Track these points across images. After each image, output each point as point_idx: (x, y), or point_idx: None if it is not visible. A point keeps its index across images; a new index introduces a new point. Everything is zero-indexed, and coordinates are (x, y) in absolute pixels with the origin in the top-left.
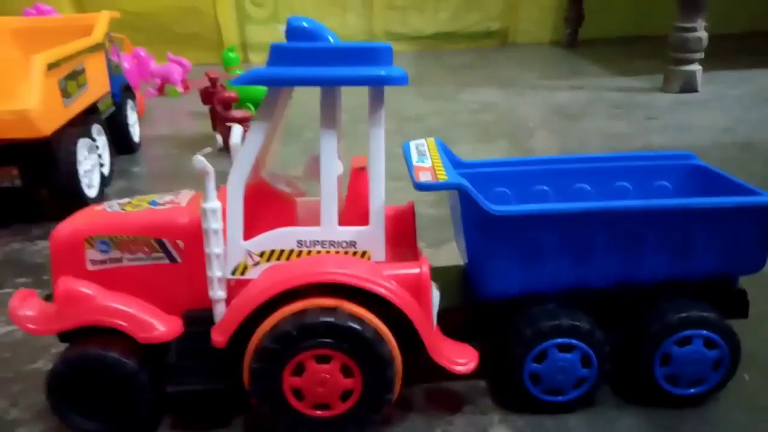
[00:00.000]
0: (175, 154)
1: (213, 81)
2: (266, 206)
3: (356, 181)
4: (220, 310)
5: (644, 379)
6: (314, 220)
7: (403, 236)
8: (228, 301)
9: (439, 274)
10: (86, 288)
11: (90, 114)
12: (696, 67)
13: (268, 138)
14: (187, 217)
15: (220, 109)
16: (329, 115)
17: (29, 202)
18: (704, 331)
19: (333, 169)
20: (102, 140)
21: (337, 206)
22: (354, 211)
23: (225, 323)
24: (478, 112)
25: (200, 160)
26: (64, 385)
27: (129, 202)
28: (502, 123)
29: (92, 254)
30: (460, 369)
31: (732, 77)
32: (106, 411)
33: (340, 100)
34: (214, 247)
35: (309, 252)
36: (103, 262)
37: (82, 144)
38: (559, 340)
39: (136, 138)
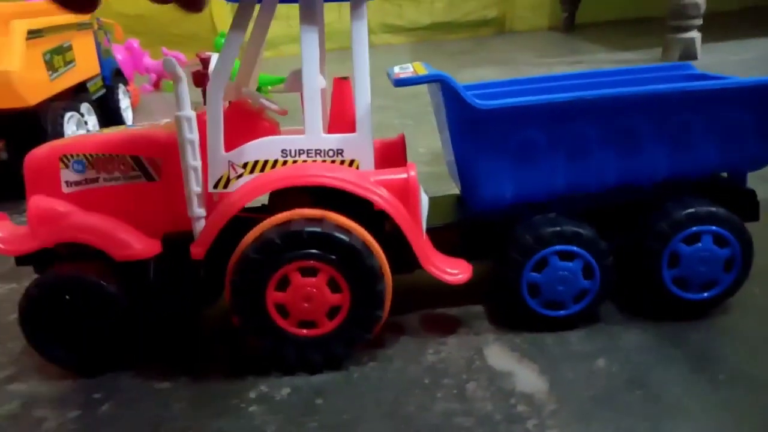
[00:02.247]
0: None
1: (204, 62)
2: (248, 125)
3: (339, 90)
4: (199, 229)
5: (652, 284)
6: None
7: (393, 167)
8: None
9: (433, 201)
10: (60, 206)
11: (79, 92)
12: (695, 34)
13: (250, 56)
14: (165, 133)
15: None
16: (309, 25)
17: (17, 175)
18: (713, 227)
19: (314, 75)
20: (92, 120)
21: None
22: (339, 122)
23: (204, 234)
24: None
25: (170, 61)
26: (39, 310)
27: (108, 129)
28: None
29: (67, 174)
30: (451, 278)
31: (732, 46)
32: (83, 339)
33: (321, 15)
34: (191, 159)
35: (294, 162)
36: (78, 183)
37: (71, 118)
38: (560, 247)
39: (128, 123)
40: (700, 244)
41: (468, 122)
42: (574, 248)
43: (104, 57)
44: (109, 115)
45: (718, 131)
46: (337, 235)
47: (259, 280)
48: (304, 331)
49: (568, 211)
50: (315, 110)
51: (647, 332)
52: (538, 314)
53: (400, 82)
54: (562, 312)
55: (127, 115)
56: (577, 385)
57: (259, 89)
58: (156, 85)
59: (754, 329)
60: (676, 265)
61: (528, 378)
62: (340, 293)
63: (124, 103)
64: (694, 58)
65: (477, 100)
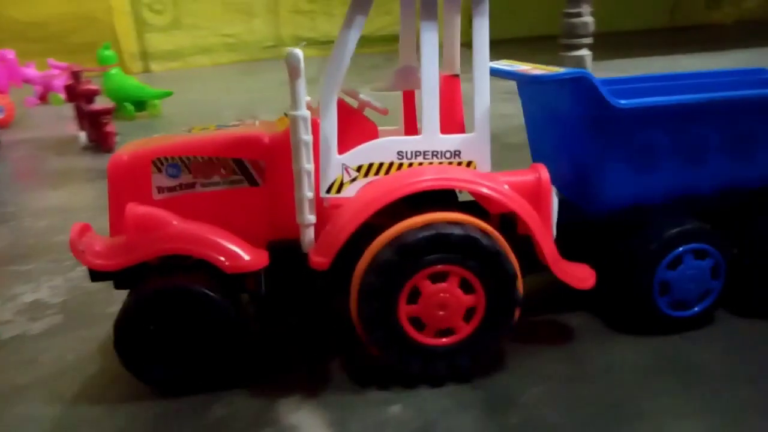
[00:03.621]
0: (36, 155)
1: (75, 75)
2: (348, 126)
3: (449, 88)
4: (309, 237)
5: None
6: None
7: None
8: (316, 228)
9: None
10: (159, 214)
11: None
12: (585, 52)
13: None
14: (268, 134)
15: (83, 104)
16: (429, 20)
17: None
18: None
19: (434, 72)
20: None
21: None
22: (449, 122)
23: (327, 242)
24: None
25: (295, 54)
26: (138, 329)
27: (190, 129)
28: (395, 111)
29: (160, 179)
30: (581, 284)
31: (623, 64)
32: (186, 357)
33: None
34: (305, 162)
35: (410, 164)
36: (172, 188)
37: None
38: (695, 245)
39: None
40: None
41: (602, 121)
42: (708, 247)
43: None
44: None
45: None
46: (482, 239)
47: (390, 291)
48: (444, 339)
49: (682, 212)
50: (433, 109)
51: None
52: (665, 315)
53: (542, 79)
54: (687, 312)
55: None
56: None
57: (143, 104)
58: (42, 98)
59: (558, 369)
60: None
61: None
62: (473, 294)
63: None
64: None
65: (617, 100)
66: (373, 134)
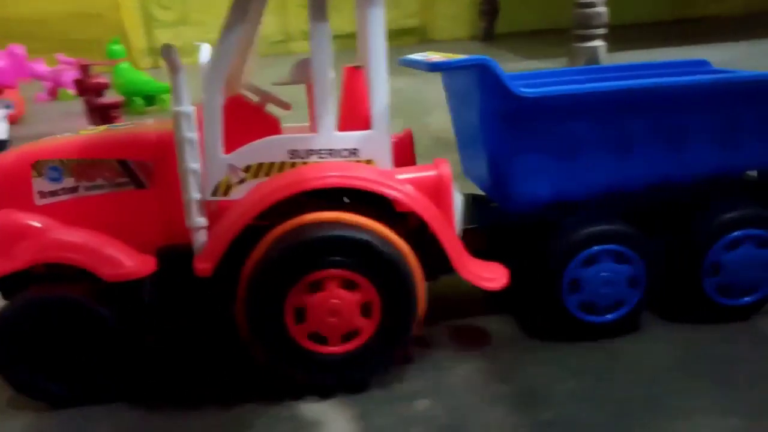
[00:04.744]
0: None
1: (84, 69)
2: (247, 123)
3: (351, 81)
4: (200, 241)
5: (692, 290)
6: None
7: (401, 165)
8: (209, 230)
9: None
10: (35, 220)
11: None
12: (599, 43)
13: (242, 48)
14: (155, 133)
15: (92, 98)
16: (319, 11)
17: None
18: (760, 231)
19: (326, 65)
20: None
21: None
22: (351, 117)
23: (210, 247)
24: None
25: (168, 49)
26: (14, 336)
27: (82, 130)
28: (403, 104)
29: (41, 184)
30: (488, 284)
31: (637, 56)
32: (65, 368)
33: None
34: (191, 161)
35: (304, 164)
36: (54, 193)
37: None
38: (610, 246)
39: (2, 135)
40: (743, 249)
41: (510, 112)
42: (624, 249)
43: None
44: None
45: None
46: (378, 244)
47: (277, 305)
48: (352, 343)
49: (606, 212)
50: (327, 105)
51: (477, 368)
52: (575, 318)
53: (436, 66)
54: (599, 318)
55: (1, 127)
56: None
57: (152, 98)
58: (52, 93)
59: (590, 364)
60: (717, 273)
61: (338, 427)
62: (359, 290)
63: None
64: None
65: (522, 89)
66: (274, 129)
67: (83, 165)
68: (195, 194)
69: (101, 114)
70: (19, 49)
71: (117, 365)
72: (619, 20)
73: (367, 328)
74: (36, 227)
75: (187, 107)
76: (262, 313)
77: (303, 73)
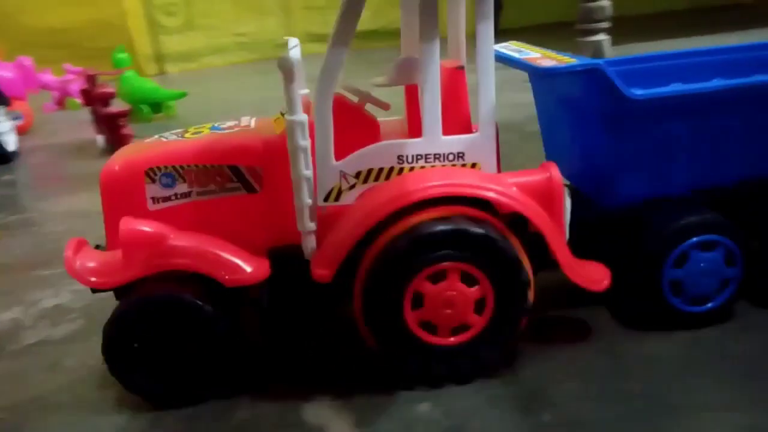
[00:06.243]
0: (55, 161)
1: (90, 79)
2: (348, 125)
3: (452, 82)
4: (310, 244)
5: None
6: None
7: None
8: (317, 233)
9: None
10: (155, 228)
11: None
12: (603, 37)
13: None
14: (263, 139)
15: (99, 108)
16: (430, 7)
17: None
18: None
19: (435, 67)
20: None
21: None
22: (453, 118)
23: (328, 254)
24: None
25: (288, 59)
26: (127, 338)
27: (185, 131)
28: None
29: (154, 190)
30: (596, 287)
31: (643, 48)
32: (174, 369)
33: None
34: (303, 168)
35: (411, 168)
36: (167, 198)
37: None
38: (702, 237)
39: (10, 147)
40: None
41: (617, 113)
42: (716, 237)
43: None
44: None
45: None
46: (500, 241)
47: (396, 297)
48: (459, 337)
49: (700, 205)
50: (434, 109)
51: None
52: (682, 312)
53: (550, 71)
54: (706, 306)
55: (9, 139)
56: None
57: (159, 105)
58: (60, 103)
59: (592, 364)
60: None
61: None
62: (477, 285)
63: (4, 126)
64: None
65: (633, 90)
66: (374, 130)
67: (195, 171)
68: (308, 200)
69: (108, 123)
70: (27, 60)
71: (222, 368)
72: (630, 11)
73: (479, 323)
74: (156, 234)
75: (301, 116)
76: (381, 302)
77: (407, 73)
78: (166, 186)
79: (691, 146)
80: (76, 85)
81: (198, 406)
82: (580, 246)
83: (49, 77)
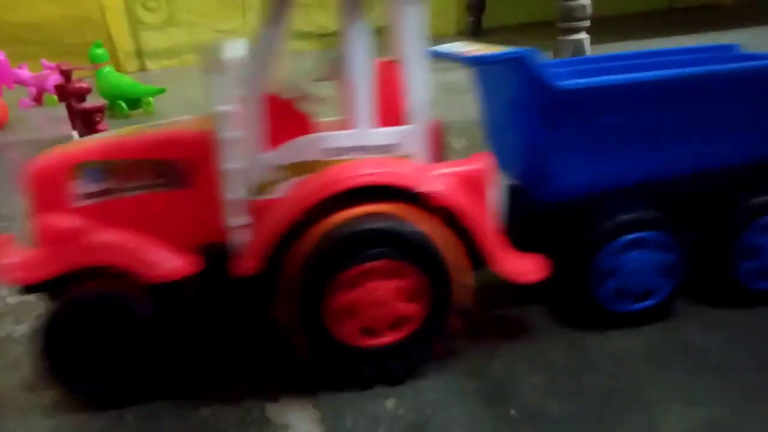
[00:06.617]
0: (31, 157)
1: (65, 74)
2: (281, 122)
3: (386, 75)
4: (240, 240)
5: (724, 278)
6: None
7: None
8: (247, 230)
9: None
10: (77, 223)
11: None
12: (583, 36)
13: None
14: (195, 132)
15: (74, 103)
16: (353, 3)
17: None
18: None
19: (363, 58)
20: None
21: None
22: (385, 112)
23: (254, 247)
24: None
25: (213, 49)
26: (63, 338)
27: (120, 130)
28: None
29: (81, 186)
30: (524, 278)
31: (623, 47)
32: (111, 368)
33: None
34: (233, 161)
35: (341, 161)
36: (93, 195)
37: None
38: (639, 234)
39: None
40: None
41: (547, 104)
42: (654, 235)
43: None
44: None
45: None
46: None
47: (319, 298)
48: (400, 331)
49: (639, 200)
50: (364, 100)
51: (443, 364)
52: (606, 309)
53: (477, 60)
54: (634, 306)
55: None
56: None
57: (137, 101)
58: (37, 99)
59: (558, 357)
60: (755, 257)
61: (305, 428)
62: (407, 277)
63: None
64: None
65: (558, 82)
66: (306, 127)
67: (122, 166)
68: (236, 194)
69: (83, 119)
70: (1, 55)
71: (159, 363)
72: (610, 11)
73: (416, 314)
74: (77, 229)
75: (229, 107)
76: (307, 308)
77: (339, 68)
78: (93, 182)
79: (624, 140)
80: (53, 80)
81: (158, 403)
82: (528, 244)
83: (25, 73)
